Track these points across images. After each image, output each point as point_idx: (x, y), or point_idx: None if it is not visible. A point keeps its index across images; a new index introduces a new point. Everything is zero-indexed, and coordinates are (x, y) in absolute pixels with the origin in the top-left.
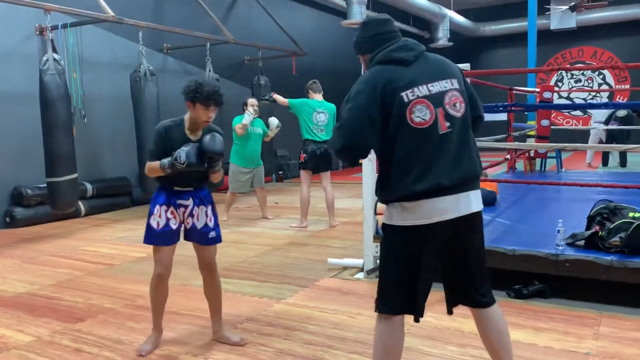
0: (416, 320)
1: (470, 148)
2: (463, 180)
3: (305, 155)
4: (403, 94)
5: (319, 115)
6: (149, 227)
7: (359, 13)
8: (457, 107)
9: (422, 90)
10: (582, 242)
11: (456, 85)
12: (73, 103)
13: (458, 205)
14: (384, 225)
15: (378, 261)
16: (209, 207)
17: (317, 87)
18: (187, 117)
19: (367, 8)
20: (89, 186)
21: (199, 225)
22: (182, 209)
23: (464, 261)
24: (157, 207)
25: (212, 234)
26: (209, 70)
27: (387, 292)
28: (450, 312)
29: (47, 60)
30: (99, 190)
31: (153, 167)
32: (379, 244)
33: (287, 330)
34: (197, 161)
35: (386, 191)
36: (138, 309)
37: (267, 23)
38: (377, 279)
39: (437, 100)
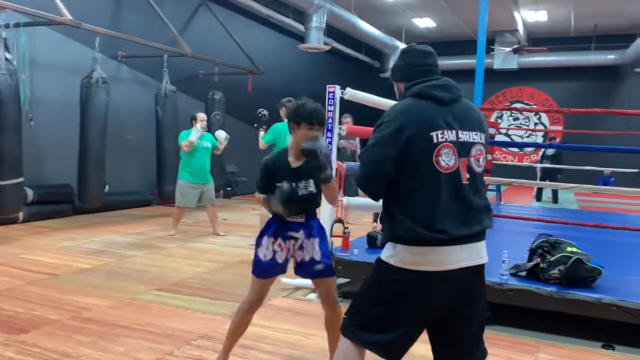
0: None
1: (486, 200)
2: (478, 233)
3: None
4: (434, 134)
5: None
6: (256, 258)
7: (316, 38)
8: (480, 163)
9: (451, 135)
10: (524, 273)
11: (482, 140)
12: (21, 105)
13: (471, 254)
14: (382, 261)
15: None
16: (318, 239)
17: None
18: (291, 143)
19: (324, 34)
20: (30, 191)
21: (307, 258)
22: (292, 242)
23: (469, 318)
24: (266, 238)
25: (319, 266)
26: (166, 82)
27: (366, 327)
28: None
29: None
30: (41, 196)
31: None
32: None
33: (242, 348)
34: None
35: (399, 229)
36: (85, 322)
37: (225, 39)
38: (353, 302)
39: (463, 149)
